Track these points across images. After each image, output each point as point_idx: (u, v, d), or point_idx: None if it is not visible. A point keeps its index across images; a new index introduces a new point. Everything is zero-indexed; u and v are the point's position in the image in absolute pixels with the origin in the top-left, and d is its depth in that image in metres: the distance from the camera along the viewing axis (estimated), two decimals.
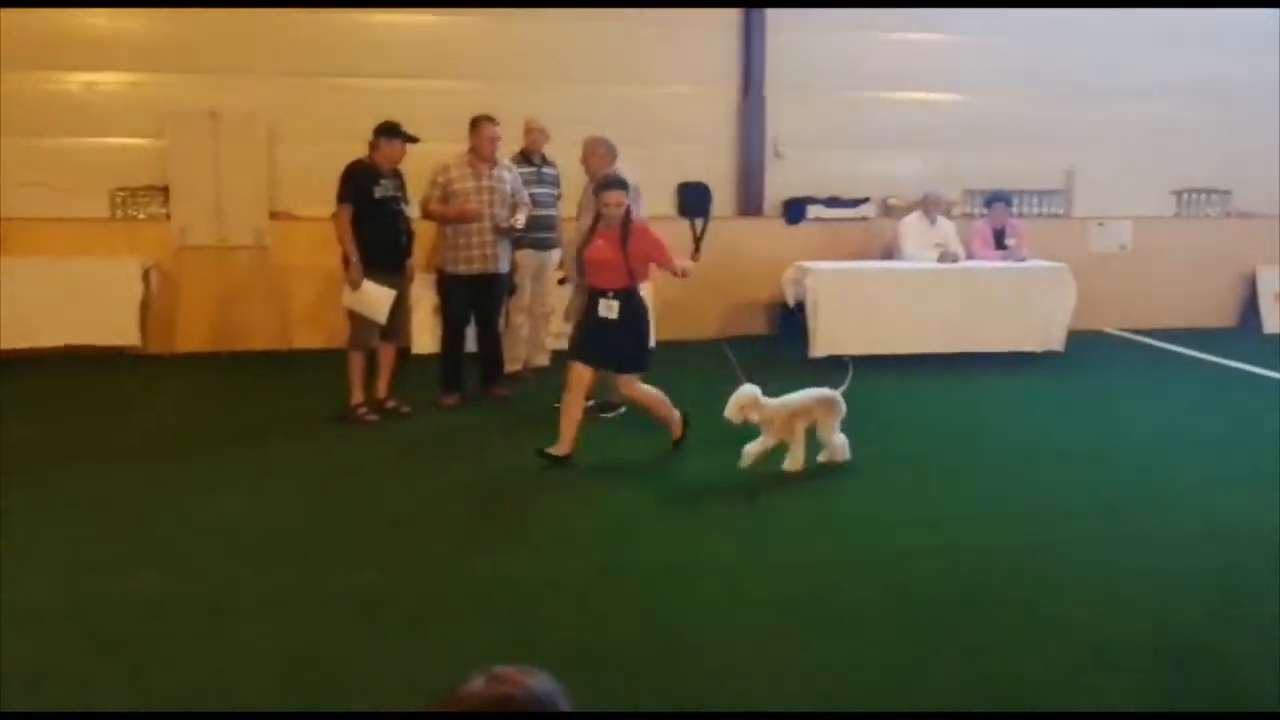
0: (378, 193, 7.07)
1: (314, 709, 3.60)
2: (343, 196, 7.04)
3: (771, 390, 6.05)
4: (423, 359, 8.84)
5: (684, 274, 6.25)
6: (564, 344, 7.37)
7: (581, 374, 6.17)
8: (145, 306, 9.03)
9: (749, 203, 10.59)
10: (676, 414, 6.47)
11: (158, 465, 6.26)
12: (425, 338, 9.22)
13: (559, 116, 8.57)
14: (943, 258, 9.52)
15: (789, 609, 4.40)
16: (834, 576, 4.72)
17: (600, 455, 6.40)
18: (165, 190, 9.33)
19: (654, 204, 9.83)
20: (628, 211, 6.14)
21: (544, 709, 1.40)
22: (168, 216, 9.31)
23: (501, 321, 8.08)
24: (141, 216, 9.37)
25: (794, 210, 10.55)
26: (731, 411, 5.90)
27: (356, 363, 7.27)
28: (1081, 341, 9.86)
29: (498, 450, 6.56)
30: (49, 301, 8.71)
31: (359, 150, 7.22)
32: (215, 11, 9.28)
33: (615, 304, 6.07)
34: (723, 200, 10.51)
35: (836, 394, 6.18)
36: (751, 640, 4.14)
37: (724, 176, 10.58)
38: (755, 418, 5.94)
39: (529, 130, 8.38)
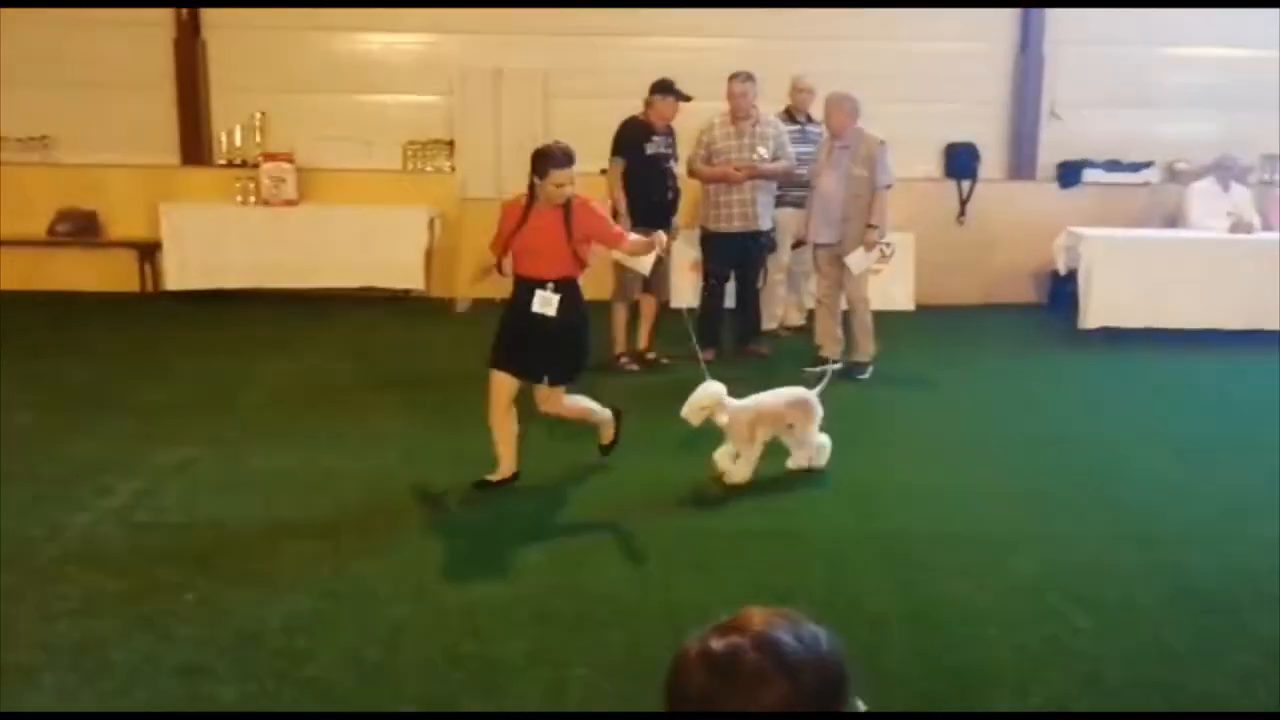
0: (649, 149, 7.30)
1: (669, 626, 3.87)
2: (616, 151, 7.33)
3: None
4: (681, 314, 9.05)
5: (664, 250, 5.49)
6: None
7: (503, 385, 5.11)
8: (429, 253, 9.69)
9: (1021, 165, 10.17)
10: (606, 412, 5.54)
11: (435, 398, 6.76)
12: (685, 293, 9.43)
13: (827, 74, 8.52)
14: (1235, 228, 8.84)
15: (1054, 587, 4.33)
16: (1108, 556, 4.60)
17: (856, 421, 6.40)
18: (450, 144, 9.94)
19: (920, 164, 9.70)
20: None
21: (810, 647, 1.41)
22: (452, 169, 9.93)
23: (761, 279, 8.18)
24: (429, 169, 10.03)
25: (1069, 173, 10.04)
26: (690, 412, 5.15)
27: (619, 314, 7.58)
28: None
29: None
30: (345, 246, 9.48)
31: (633, 107, 7.46)
32: None
33: (555, 298, 5.02)
34: (993, 161, 10.14)
35: (812, 395, 5.45)
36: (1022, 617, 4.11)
37: (995, 137, 10.19)
38: (721, 420, 5.18)
39: (795, 89, 8.39)
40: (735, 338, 8.02)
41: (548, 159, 4.95)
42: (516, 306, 5.11)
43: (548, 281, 5.03)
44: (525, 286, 5.08)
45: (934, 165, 10.02)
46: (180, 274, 9.41)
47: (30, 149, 9.71)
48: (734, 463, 5.27)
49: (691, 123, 7.60)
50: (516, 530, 4.81)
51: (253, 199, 9.56)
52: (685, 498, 5.21)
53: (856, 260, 7.26)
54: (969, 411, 6.76)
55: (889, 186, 7.23)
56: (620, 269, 7.42)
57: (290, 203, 9.59)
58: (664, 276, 7.75)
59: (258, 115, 9.84)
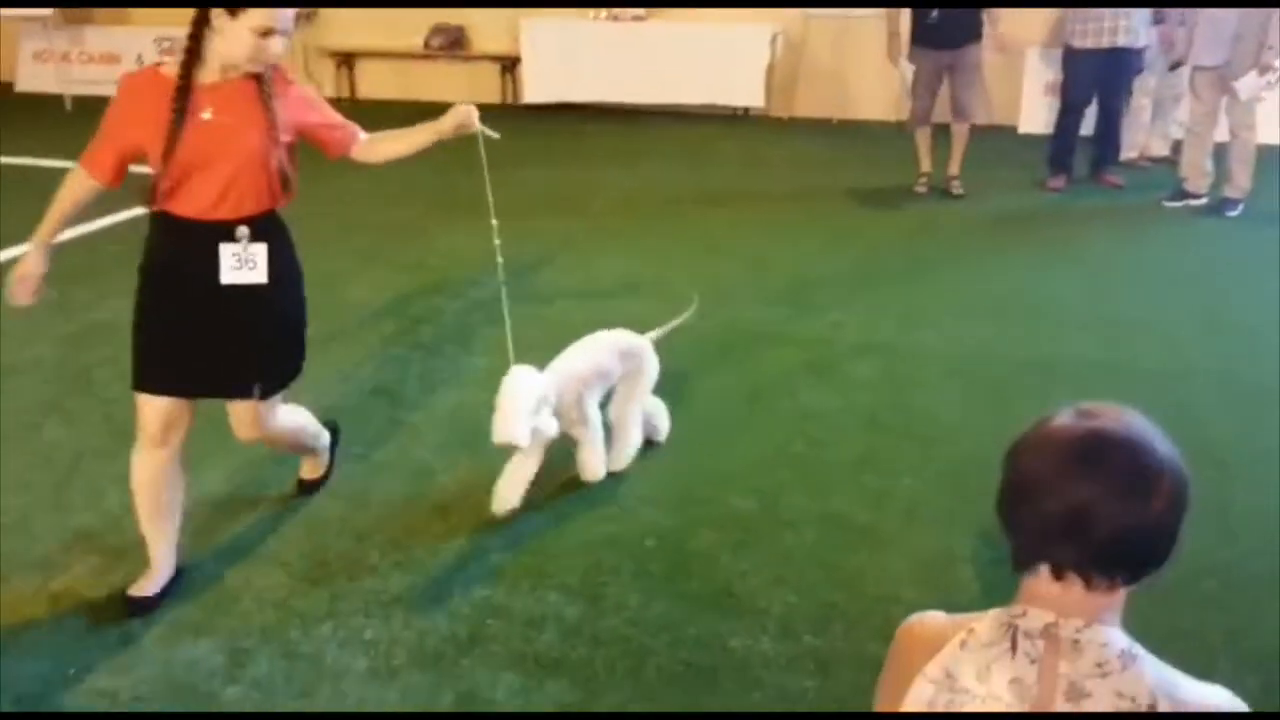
0: None
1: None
2: None
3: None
4: (1032, 139, 8.59)
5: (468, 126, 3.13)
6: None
7: (159, 414, 2.95)
8: (770, 71, 9.63)
9: None
10: (325, 437, 3.58)
11: (772, 212, 6.87)
12: (1036, 115, 8.89)
13: None
14: None
15: None
16: None
17: (1217, 261, 5.91)
18: None
19: None
20: None
21: (1139, 446, 1.37)
22: None
23: (1125, 103, 7.56)
24: None
25: None
26: (508, 433, 3.21)
27: (923, 136, 7.37)
28: None
29: (1093, 241, 6.36)
30: (689, 63, 9.60)
31: None
32: None
33: (260, 249, 2.89)
34: None
35: (645, 342, 3.88)
36: None
37: None
38: (546, 423, 3.36)
39: None
40: (1090, 165, 7.54)
41: None
42: (176, 276, 2.89)
43: (237, 223, 2.86)
44: (192, 237, 2.85)
45: None
46: (537, 87, 9.93)
47: None
48: (584, 454, 3.69)
49: None
50: (851, 345, 4.90)
51: (604, 15, 9.84)
52: (1020, 335, 5.09)
53: (1247, 85, 6.55)
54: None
55: None
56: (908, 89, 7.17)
57: (639, 19, 9.80)
58: (977, 96, 7.30)
59: None
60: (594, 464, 3.70)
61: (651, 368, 3.86)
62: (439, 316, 5.22)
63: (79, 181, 2.89)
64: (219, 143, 2.77)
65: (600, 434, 3.70)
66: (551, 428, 3.37)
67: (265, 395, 3.05)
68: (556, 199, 7.26)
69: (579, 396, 3.58)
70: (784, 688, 2.73)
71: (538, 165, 8.13)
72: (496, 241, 3.31)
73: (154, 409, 2.94)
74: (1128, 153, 7.91)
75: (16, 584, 3.15)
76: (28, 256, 2.94)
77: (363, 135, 3.09)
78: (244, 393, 3.02)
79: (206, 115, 2.77)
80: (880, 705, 1.51)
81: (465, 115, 3.08)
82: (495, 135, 3.12)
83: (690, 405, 4.30)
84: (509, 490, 3.46)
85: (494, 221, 3.27)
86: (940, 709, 1.38)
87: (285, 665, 2.82)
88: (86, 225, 5.47)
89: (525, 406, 3.21)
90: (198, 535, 3.38)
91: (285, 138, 2.88)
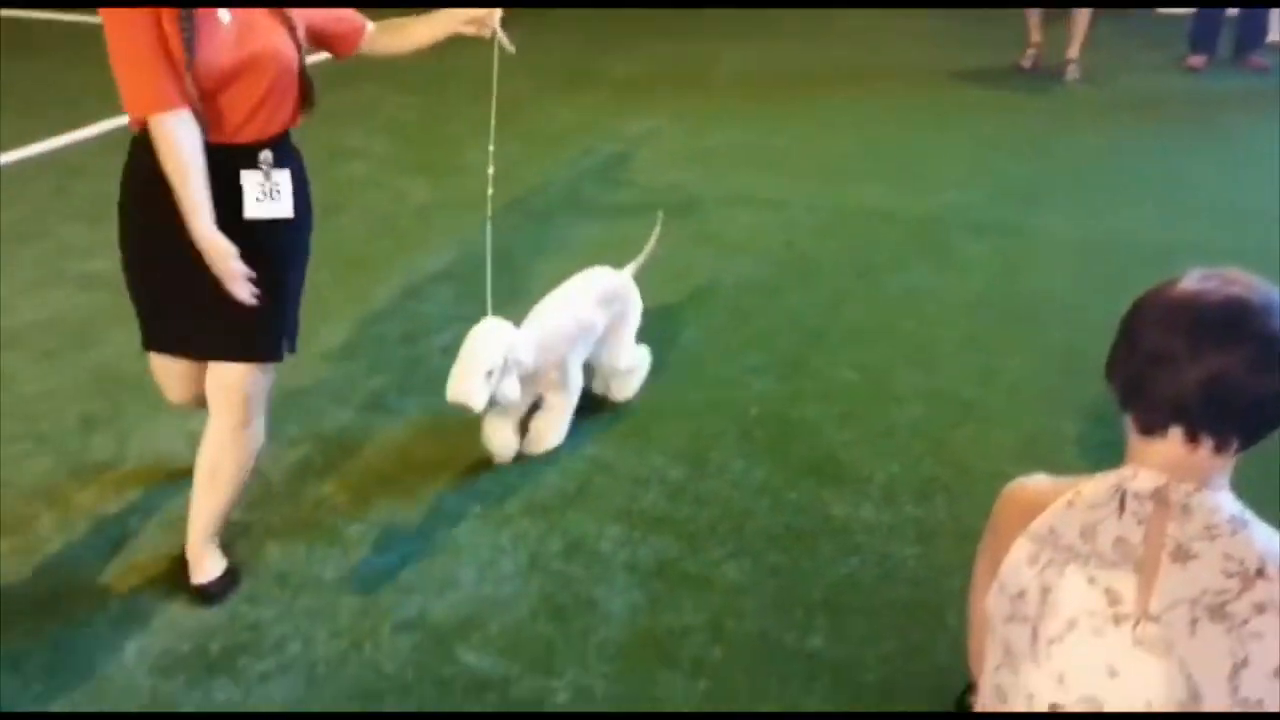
0: None
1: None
2: None
3: None
4: (1172, 19, 8.15)
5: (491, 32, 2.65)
6: None
7: (171, 375, 2.64)
8: None
9: None
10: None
11: (890, 91, 6.70)
12: None
13: None
14: None
15: None
16: None
17: None
18: None
19: None
20: None
21: (1276, 313, 1.34)
22: None
23: None
24: None
25: None
26: (463, 393, 2.84)
27: (1026, 12, 7.07)
28: None
29: (1231, 126, 6.07)
30: None
31: None
32: None
33: (285, 176, 2.44)
34: None
35: (626, 279, 3.44)
36: None
37: None
38: (508, 389, 2.94)
39: None
40: (1234, 46, 7.14)
41: None
42: (177, 215, 2.29)
43: (260, 147, 2.39)
44: (221, 166, 2.32)
45: None
46: None
47: None
48: (545, 421, 3.24)
49: None
50: (966, 225, 4.81)
51: None
52: (1146, 221, 4.92)
53: None
54: None
55: None
56: None
57: None
58: None
59: None
60: (551, 434, 3.22)
61: (636, 308, 3.42)
62: (550, 185, 5.27)
63: (175, 129, 2.20)
64: (247, 48, 2.27)
65: (575, 401, 3.27)
66: (513, 393, 2.95)
67: (270, 356, 2.51)
68: (674, 73, 7.18)
69: (562, 359, 3.16)
70: (884, 554, 2.78)
71: (657, 38, 8.03)
72: (490, 170, 2.85)
73: (168, 369, 2.60)
74: (1275, 35, 7.47)
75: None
76: (213, 245, 2.29)
77: (369, 25, 2.63)
78: (271, 352, 2.49)
79: (225, 17, 2.25)
80: (981, 563, 1.54)
81: (485, 14, 2.61)
82: (511, 49, 2.66)
83: (799, 280, 4.30)
84: (500, 447, 3.14)
85: (490, 148, 2.81)
86: (1041, 566, 1.40)
87: (403, 508, 2.97)
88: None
89: (484, 368, 2.83)
90: (326, 381, 3.55)
91: (303, 39, 2.44)
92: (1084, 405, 3.36)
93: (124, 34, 2.16)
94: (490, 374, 2.84)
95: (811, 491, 3.03)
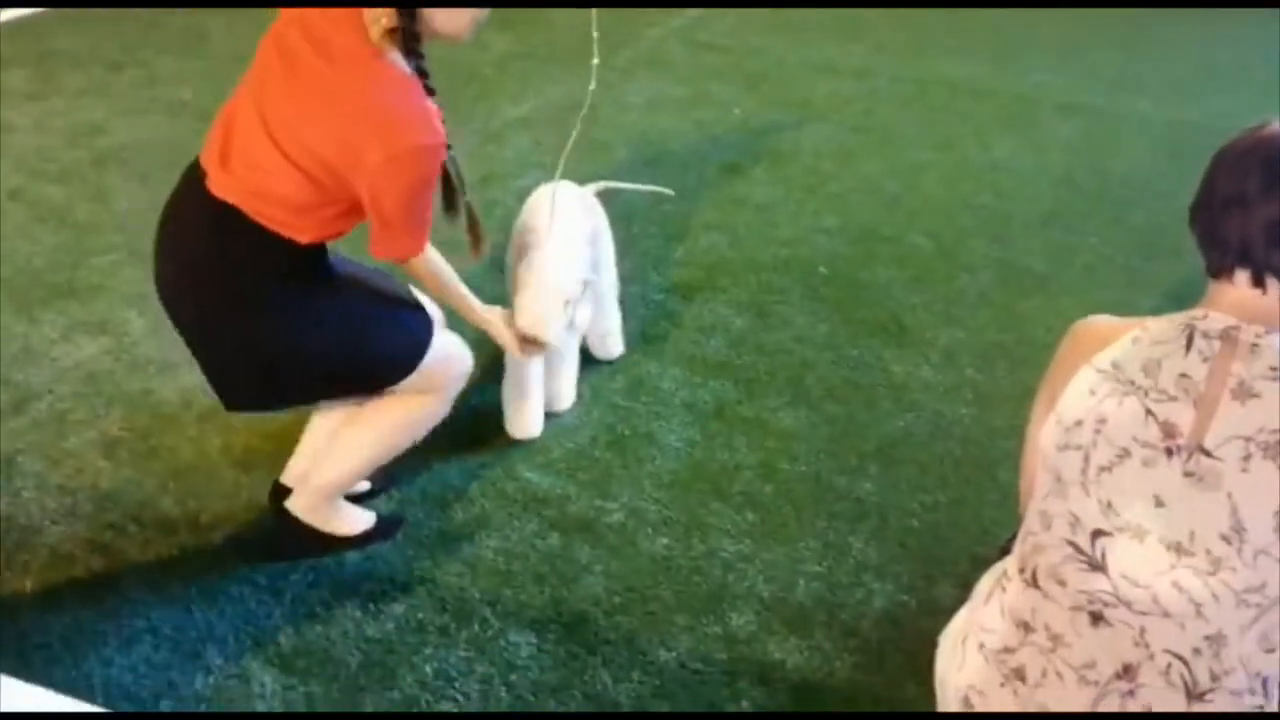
0: None
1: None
2: None
3: None
4: None
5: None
6: None
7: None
8: None
9: None
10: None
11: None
12: None
13: None
14: None
15: None
16: None
17: None
18: None
19: None
20: None
21: None
22: None
23: None
24: None
25: None
26: (543, 321, 2.44)
27: None
28: None
29: None
30: None
31: None
32: None
33: None
34: None
35: (591, 196, 2.85)
36: None
37: None
38: (583, 313, 2.67)
39: None
40: None
41: None
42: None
43: None
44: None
45: None
46: None
47: None
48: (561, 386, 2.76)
49: None
50: (1053, 104, 4.70)
51: None
52: (1243, 109, 4.75)
53: None
54: None
55: None
56: None
57: None
58: None
59: None
60: (568, 390, 2.78)
61: (607, 229, 2.86)
62: (635, 42, 5.21)
63: (434, 259, 2.19)
64: None
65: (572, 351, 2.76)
66: (586, 320, 2.68)
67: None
68: None
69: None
70: (940, 413, 2.82)
71: None
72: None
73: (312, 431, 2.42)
74: None
75: None
76: (492, 324, 2.41)
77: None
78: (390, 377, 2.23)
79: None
80: (1041, 396, 1.57)
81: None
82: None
83: (877, 149, 4.26)
84: (529, 419, 2.67)
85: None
86: (1101, 398, 1.42)
87: (469, 331, 3.04)
88: None
89: (563, 298, 2.45)
90: None
91: None
92: (1163, 284, 3.31)
93: (429, 190, 2.04)
94: (568, 303, 2.49)
95: (873, 350, 3.06)
